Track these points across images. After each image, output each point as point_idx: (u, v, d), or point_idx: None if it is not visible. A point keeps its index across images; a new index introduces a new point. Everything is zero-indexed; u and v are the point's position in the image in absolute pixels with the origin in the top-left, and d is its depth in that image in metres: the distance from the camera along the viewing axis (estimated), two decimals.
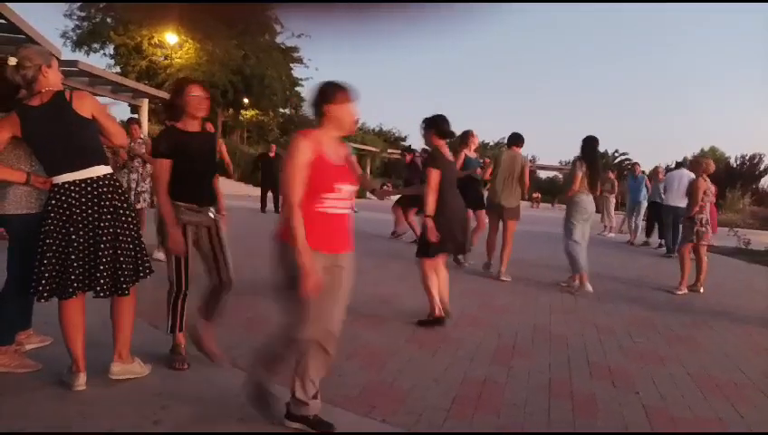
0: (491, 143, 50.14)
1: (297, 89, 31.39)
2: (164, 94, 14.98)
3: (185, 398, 2.63)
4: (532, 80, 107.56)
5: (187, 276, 2.97)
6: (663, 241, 10.40)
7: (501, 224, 6.60)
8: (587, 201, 5.98)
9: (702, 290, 6.40)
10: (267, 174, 13.79)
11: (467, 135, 7.38)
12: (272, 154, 14.12)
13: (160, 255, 3.95)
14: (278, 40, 28.40)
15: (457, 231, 4.22)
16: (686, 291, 6.35)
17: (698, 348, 4.15)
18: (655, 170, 11.84)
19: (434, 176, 4.04)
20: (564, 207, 6.56)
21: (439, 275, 4.26)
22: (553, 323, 4.63)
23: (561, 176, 51.26)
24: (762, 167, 49.47)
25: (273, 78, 26.94)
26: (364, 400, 2.78)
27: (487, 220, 6.99)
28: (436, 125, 4.18)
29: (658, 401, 3.04)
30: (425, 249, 4.13)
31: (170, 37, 23.28)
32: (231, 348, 3.22)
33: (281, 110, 33.33)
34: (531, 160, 38.81)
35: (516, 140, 6.70)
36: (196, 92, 2.93)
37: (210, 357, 3.06)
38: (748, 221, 23.33)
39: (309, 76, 29.41)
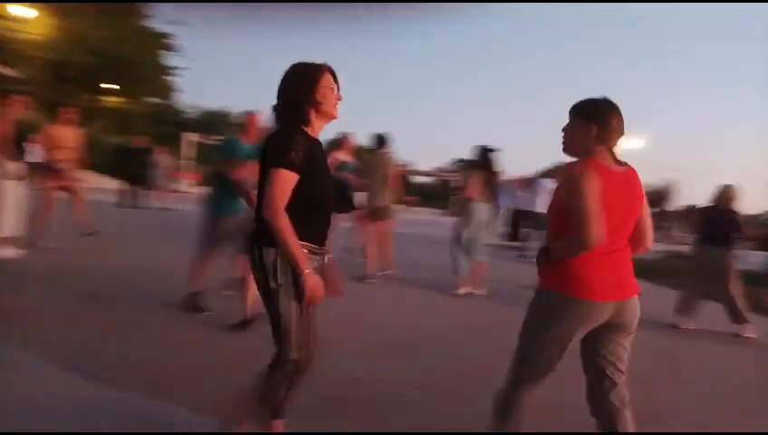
0: (361, 148, 51.02)
1: (168, 78, 29.54)
2: (11, 71, 13.27)
3: None
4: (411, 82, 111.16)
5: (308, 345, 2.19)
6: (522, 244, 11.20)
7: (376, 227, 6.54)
8: (478, 208, 6.14)
9: None
10: (128, 166, 12.79)
11: (342, 138, 7.36)
12: (138, 145, 13.13)
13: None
14: (151, 25, 26.55)
15: None
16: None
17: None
18: (519, 178, 12.71)
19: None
20: (451, 213, 6.69)
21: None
22: (425, 321, 4.71)
23: (437, 181, 53.50)
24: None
25: (143, 64, 25.10)
26: (228, 405, 2.56)
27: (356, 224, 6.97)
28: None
29: None
30: None
31: (16, 9, 20.73)
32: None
33: (151, 99, 31.17)
34: (404, 165, 39.93)
35: (382, 141, 6.66)
36: (330, 83, 2.08)
37: None
38: None
39: (185, 66, 27.84)
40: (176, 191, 16.98)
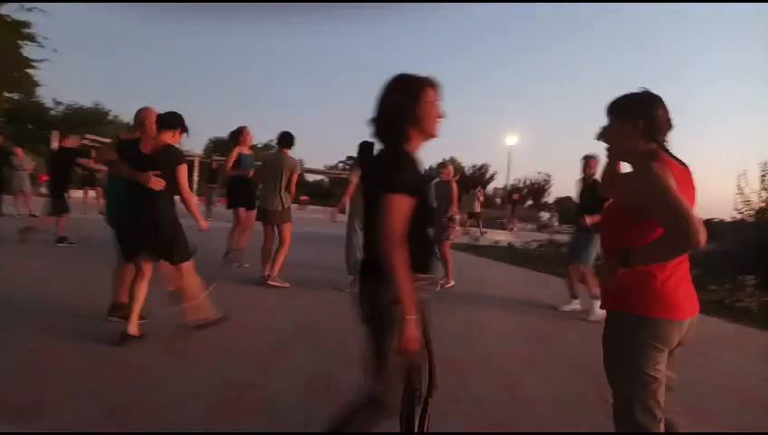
0: (258, 145, 49.86)
1: (29, 71, 26.83)
2: None
3: None
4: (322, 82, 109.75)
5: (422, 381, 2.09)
6: None
7: (275, 230, 6.34)
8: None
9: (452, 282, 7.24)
10: None
11: (241, 132, 6.94)
12: None
13: None
14: (6, 12, 23.92)
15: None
16: (453, 283, 7.15)
17: (444, 334, 4.72)
18: None
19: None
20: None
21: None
22: (316, 320, 4.80)
23: (327, 179, 53.56)
24: (488, 175, 59.90)
25: None
26: (111, 421, 2.50)
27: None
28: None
29: None
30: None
31: None
32: None
33: (7, 94, 28.10)
34: (300, 163, 39.58)
35: (287, 140, 6.29)
36: (433, 98, 1.91)
37: None
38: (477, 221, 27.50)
39: (45, 57, 25.43)
40: (43, 195, 15.50)
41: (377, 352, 1.90)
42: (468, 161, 59.68)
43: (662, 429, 1.86)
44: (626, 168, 2.12)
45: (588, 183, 5.89)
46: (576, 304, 6.16)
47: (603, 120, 2.00)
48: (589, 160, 5.87)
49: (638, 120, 1.88)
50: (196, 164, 27.95)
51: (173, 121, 3.85)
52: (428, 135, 1.92)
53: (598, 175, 5.57)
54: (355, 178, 6.04)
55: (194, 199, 3.99)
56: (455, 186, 7.24)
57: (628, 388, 1.88)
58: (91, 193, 15.24)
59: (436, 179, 9.47)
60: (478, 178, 56.78)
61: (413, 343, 1.78)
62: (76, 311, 4.26)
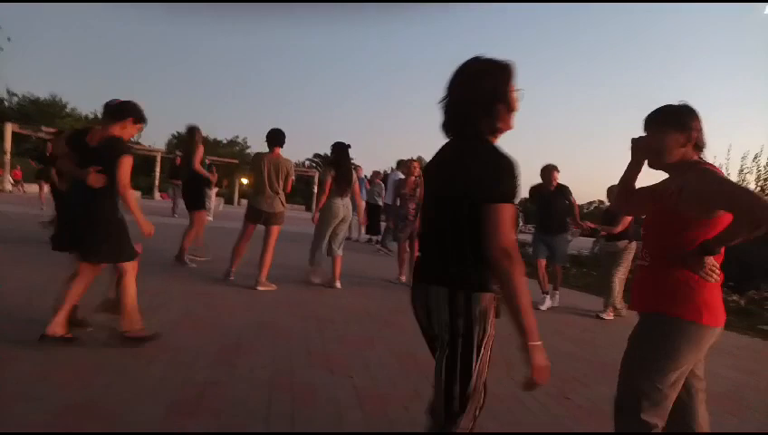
0: (224, 141, 49.06)
1: None
2: None
3: None
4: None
5: None
6: (373, 236, 11.68)
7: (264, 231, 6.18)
8: (336, 205, 6.27)
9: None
10: None
11: (198, 129, 7.13)
12: None
13: None
14: None
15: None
16: (402, 279, 7.27)
17: (403, 331, 4.73)
18: (374, 174, 13.20)
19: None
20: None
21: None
22: (278, 318, 4.74)
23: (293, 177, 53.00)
24: None
25: None
26: (62, 423, 2.40)
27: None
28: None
29: (369, 381, 3.35)
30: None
31: None
32: None
33: None
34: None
35: (278, 139, 6.07)
36: (517, 87, 1.69)
37: None
38: None
39: None
40: None
41: (463, 376, 1.61)
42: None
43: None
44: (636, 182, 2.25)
45: (551, 190, 6.52)
46: (549, 301, 6.62)
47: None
48: (553, 171, 6.53)
49: (691, 132, 1.99)
50: (158, 160, 27.30)
51: (122, 111, 3.54)
52: (508, 128, 1.70)
53: (557, 182, 6.53)
54: (330, 178, 6.19)
55: (134, 198, 3.59)
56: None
57: (644, 387, 1.91)
58: (47, 187, 14.73)
59: (398, 176, 9.53)
60: None
61: (545, 373, 1.54)
62: (28, 310, 4.09)
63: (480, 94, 1.63)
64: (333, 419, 2.78)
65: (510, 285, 1.51)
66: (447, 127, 1.72)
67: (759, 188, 11.35)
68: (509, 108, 1.66)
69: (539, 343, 1.52)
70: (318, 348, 3.94)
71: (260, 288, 5.83)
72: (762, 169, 11.58)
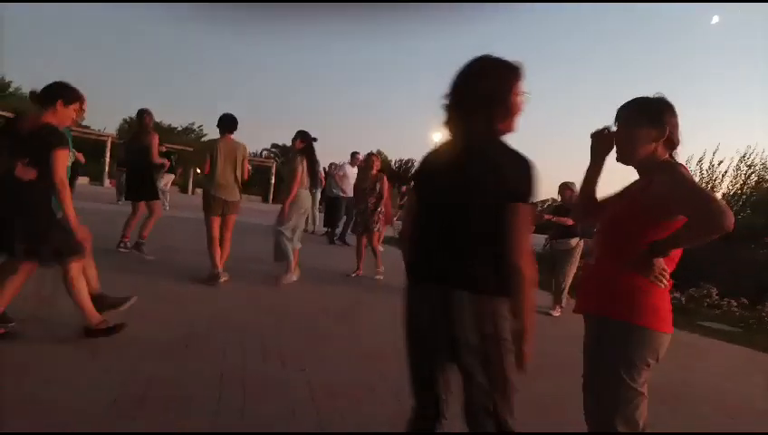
0: (178, 128, 47.60)
1: None
2: None
3: None
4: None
5: None
6: (330, 229, 11.63)
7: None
8: (304, 195, 6.15)
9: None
10: None
11: (143, 115, 6.95)
12: None
13: None
14: None
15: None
16: (360, 273, 7.25)
17: (359, 324, 4.73)
18: (330, 166, 13.09)
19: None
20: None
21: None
22: (233, 311, 4.66)
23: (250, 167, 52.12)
24: (413, 169, 60.82)
25: None
26: None
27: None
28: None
29: (321, 375, 3.32)
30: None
31: None
32: None
33: None
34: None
35: (231, 124, 5.88)
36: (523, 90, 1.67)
37: None
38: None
39: None
40: None
41: (499, 377, 1.64)
42: (394, 155, 60.10)
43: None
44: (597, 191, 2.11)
45: None
46: None
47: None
48: None
49: (664, 127, 1.84)
50: (108, 145, 26.34)
51: (48, 95, 3.19)
52: (509, 131, 1.68)
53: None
54: (301, 168, 5.99)
55: (68, 196, 3.23)
56: (384, 179, 7.33)
57: (610, 400, 1.81)
58: None
59: (345, 170, 9.44)
60: (404, 173, 57.42)
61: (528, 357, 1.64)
62: None
63: (482, 94, 1.62)
64: (285, 413, 2.75)
65: (525, 286, 1.56)
66: (451, 125, 1.70)
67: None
68: (510, 110, 1.65)
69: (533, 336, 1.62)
70: (272, 342, 3.88)
71: (223, 280, 5.64)
72: (704, 172, 11.97)
